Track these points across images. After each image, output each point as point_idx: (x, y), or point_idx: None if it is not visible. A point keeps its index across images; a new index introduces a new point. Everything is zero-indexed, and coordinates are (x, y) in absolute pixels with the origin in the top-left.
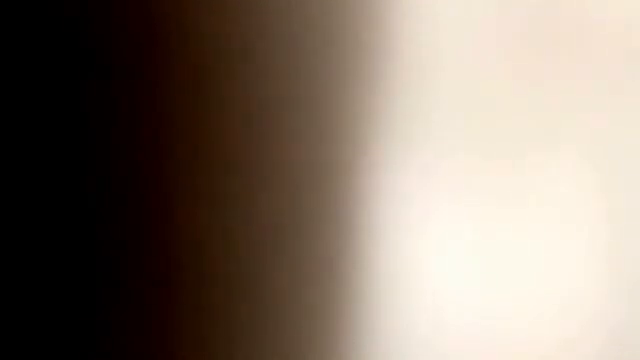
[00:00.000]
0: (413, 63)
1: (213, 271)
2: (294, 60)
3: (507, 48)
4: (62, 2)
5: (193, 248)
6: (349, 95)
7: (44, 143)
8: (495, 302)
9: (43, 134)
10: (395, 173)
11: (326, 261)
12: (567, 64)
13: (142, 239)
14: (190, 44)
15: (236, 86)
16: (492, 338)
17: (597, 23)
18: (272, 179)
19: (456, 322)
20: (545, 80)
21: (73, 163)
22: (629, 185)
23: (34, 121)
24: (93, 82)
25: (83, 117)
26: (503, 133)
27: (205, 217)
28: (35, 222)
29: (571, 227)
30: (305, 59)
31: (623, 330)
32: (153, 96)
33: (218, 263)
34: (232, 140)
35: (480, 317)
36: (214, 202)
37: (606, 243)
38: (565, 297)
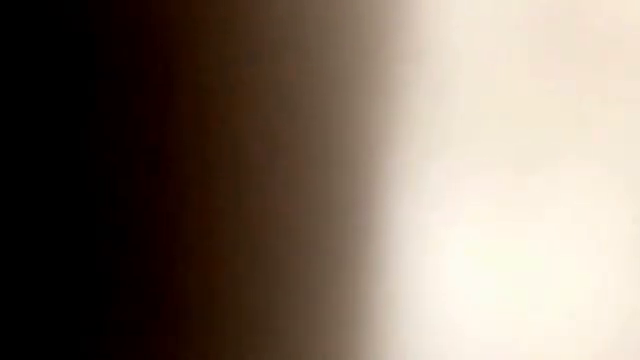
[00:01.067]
0: (433, 73)
1: (224, 270)
2: (307, 65)
3: (528, 54)
4: (62, 2)
5: (201, 249)
6: (370, 103)
7: (45, 143)
8: (519, 317)
9: (43, 134)
10: (416, 183)
11: (345, 271)
12: (591, 69)
13: (144, 238)
14: (201, 45)
15: (255, 90)
16: (515, 354)
17: (623, 29)
18: (291, 187)
19: (477, 336)
20: (569, 87)
21: (74, 163)
22: None
23: (35, 120)
24: (95, 82)
25: (84, 116)
26: (526, 141)
27: (216, 219)
28: (36, 222)
29: (595, 239)
30: (319, 64)
31: None
32: (158, 94)
33: (229, 264)
34: (244, 146)
35: (502, 332)
36: (225, 204)
37: (630, 254)
38: (590, 312)
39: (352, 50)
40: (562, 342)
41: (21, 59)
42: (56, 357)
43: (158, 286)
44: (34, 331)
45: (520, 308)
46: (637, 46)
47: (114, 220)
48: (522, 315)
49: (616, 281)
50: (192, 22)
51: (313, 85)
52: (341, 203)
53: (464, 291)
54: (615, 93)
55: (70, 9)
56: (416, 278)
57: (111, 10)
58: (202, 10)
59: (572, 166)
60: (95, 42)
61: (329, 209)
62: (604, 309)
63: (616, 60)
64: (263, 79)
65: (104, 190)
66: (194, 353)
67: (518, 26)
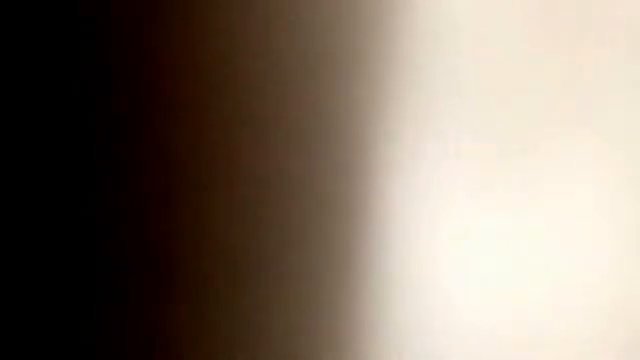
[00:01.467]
0: (424, 50)
1: (218, 269)
2: (300, 61)
3: (525, 32)
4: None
5: (197, 249)
6: (358, 86)
7: (45, 143)
8: (511, 297)
9: (43, 134)
10: (407, 168)
11: (337, 261)
12: (586, 49)
13: (143, 239)
14: (193, 45)
15: (241, 88)
16: (505, 335)
17: (618, 9)
18: (281, 181)
19: (470, 319)
20: (562, 66)
21: (74, 163)
22: None
23: (35, 121)
24: (94, 82)
25: (84, 116)
26: (519, 121)
27: (209, 217)
28: (36, 222)
29: (591, 226)
30: (310, 58)
31: None
32: (155, 95)
33: (222, 263)
34: (238, 141)
35: (496, 314)
36: (219, 201)
37: (627, 229)
38: (585, 288)
39: (348, 37)
40: (561, 320)
41: (21, 59)
42: (55, 357)
43: (156, 285)
44: (34, 331)
45: (514, 289)
46: (635, 28)
47: (113, 220)
48: (517, 296)
49: (613, 260)
50: (190, 25)
51: (308, 73)
52: (335, 189)
53: (456, 272)
54: (610, 74)
55: (70, 10)
56: (410, 260)
57: (110, 9)
58: (201, 12)
59: (571, 145)
60: (95, 41)
61: (323, 196)
62: (600, 288)
63: (613, 41)
64: (252, 78)
65: (104, 191)
66: (192, 352)
67: (517, 7)
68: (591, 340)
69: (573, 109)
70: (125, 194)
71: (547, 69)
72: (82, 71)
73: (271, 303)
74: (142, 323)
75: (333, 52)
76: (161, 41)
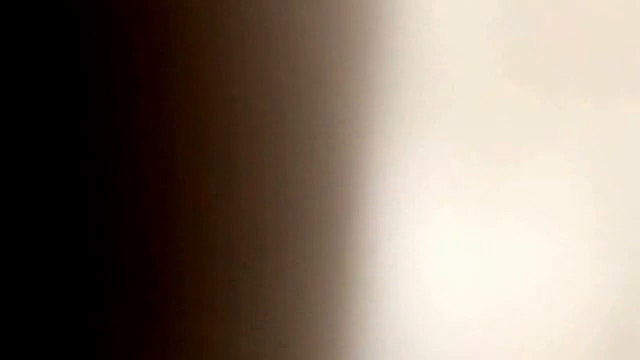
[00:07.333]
0: (413, 66)
1: (214, 268)
2: (293, 61)
3: (504, 51)
4: (62, 2)
5: (194, 250)
6: (349, 99)
7: (44, 143)
8: (492, 302)
9: (43, 134)
10: (394, 175)
11: (324, 261)
12: (563, 66)
13: (142, 239)
14: (190, 43)
15: (235, 86)
16: (488, 337)
17: (595, 26)
18: (272, 180)
19: (453, 322)
20: (542, 83)
21: (72, 163)
22: (624, 186)
23: (34, 121)
24: (92, 82)
25: (82, 117)
26: (501, 135)
27: (205, 216)
28: (34, 222)
29: (566, 228)
30: (304, 59)
31: (617, 332)
32: (154, 95)
33: (219, 262)
34: (233, 142)
35: (476, 317)
36: (214, 201)
37: (600, 243)
38: (558, 297)
39: (338, 47)
40: (537, 325)
41: (21, 59)
42: (55, 357)
43: (152, 287)
44: (34, 331)
45: (495, 295)
46: (610, 45)
47: (108, 221)
48: (498, 301)
49: (587, 268)
50: (185, 23)
51: (300, 81)
52: (321, 198)
53: (442, 281)
54: (586, 90)
55: (67, 9)
56: (395, 269)
57: (108, 10)
58: (195, 12)
59: (550, 159)
60: (92, 42)
61: (309, 206)
62: (571, 294)
63: (589, 58)
64: (248, 76)
65: (102, 190)
66: (192, 353)
67: (496, 27)
68: (569, 338)
69: (553, 128)
70: (122, 195)
71: (530, 87)
72: (82, 71)
73: (267, 301)
74: (140, 323)
75: (327, 56)
76: (159, 41)
